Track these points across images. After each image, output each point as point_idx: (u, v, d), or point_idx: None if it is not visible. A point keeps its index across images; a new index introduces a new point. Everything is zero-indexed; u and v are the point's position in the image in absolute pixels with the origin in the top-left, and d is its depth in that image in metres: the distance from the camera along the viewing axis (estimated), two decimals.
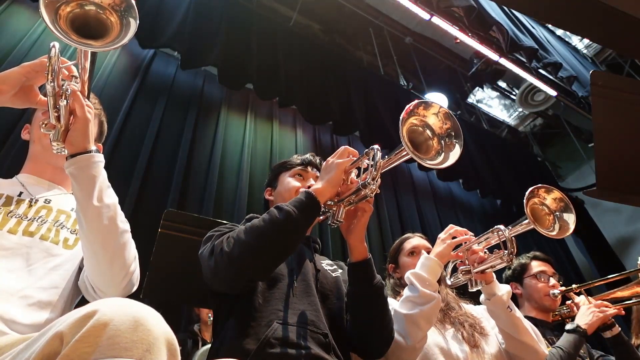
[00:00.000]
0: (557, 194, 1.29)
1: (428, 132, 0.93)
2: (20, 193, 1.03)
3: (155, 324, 0.53)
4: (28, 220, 0.97)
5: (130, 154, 2.75)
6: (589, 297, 1.82)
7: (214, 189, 2.95)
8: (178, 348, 0.56)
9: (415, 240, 1.67)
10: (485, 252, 1.36)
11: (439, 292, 1.28)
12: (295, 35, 3.96)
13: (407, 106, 0.88)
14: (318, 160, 1.35)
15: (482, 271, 1.35)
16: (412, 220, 4.02)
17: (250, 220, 1.23)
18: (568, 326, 1.63)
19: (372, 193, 0.92)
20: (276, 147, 3.59)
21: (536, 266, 1.90)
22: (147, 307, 0.55)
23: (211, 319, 2.43)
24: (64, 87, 0.84)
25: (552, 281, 1.85)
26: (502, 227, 1.33)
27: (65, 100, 0.82)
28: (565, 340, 1.57)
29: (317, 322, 0.99)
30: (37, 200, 1.03)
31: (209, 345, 1.35)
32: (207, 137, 3.27)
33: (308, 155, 1.35)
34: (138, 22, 0.77)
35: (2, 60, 2.45)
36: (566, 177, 6.09)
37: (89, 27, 0.76)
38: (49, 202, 1.05)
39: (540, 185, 1.32)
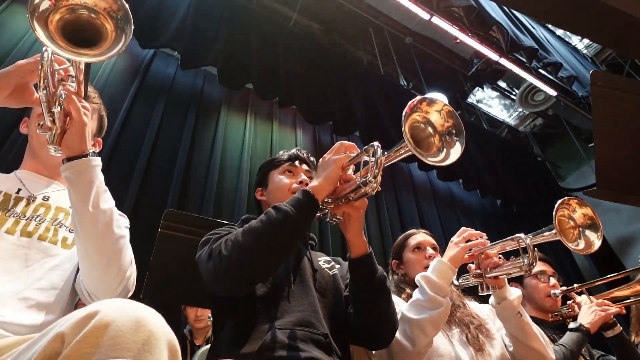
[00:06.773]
0: (589, 210, 1.25)
1: (430, 129, 0.88)
2: (19, 190, 1.00)
3: (156, 324, 0.53)
4: (26, 220, 0.96)
5: (130, 154, 2.74)
6: (591, 297, 1.82)
7: (214, 189, 2.95)
8: (179, 349, 0.56)
9: (420, 236, 1.64)
10: (499, 258, 1.33)
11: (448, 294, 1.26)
12: (295, 35, 3.96)
13: (411, 102, 0.86)
14: (305, 155, 1.34)
15: (495, 277, 1.32)
16: (412, 220, 4.01)
17: (246, 222, 1.21)
18: (571, 325, 1.64)
19: (372, 191, 0.88)
20: (276, 147, 3.59)
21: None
22: (148, 307, 0.55)
23: (210, 318, 2.43)
24: (58, 93, 0.81)
25: (553, 281, 1.85)
26: (522, 235, 1.28)
27: (59, 107, 0.80)
28: (568, 338, 1.58)
29: (316, 323, 0.98)
30: (35, 198, 1.01)
31: (209, 346, 1.35)
32: (207, 137, 3.26)
33: (294, 150, 1.33)
34: (132, 29, 0.74)
35: (2, 60, 2.45)
36: (566, 177, 6.08)
37: (81, 33, 0.74)
38: (47, 200, 1.03)
39: (572, 197, 1.28)
